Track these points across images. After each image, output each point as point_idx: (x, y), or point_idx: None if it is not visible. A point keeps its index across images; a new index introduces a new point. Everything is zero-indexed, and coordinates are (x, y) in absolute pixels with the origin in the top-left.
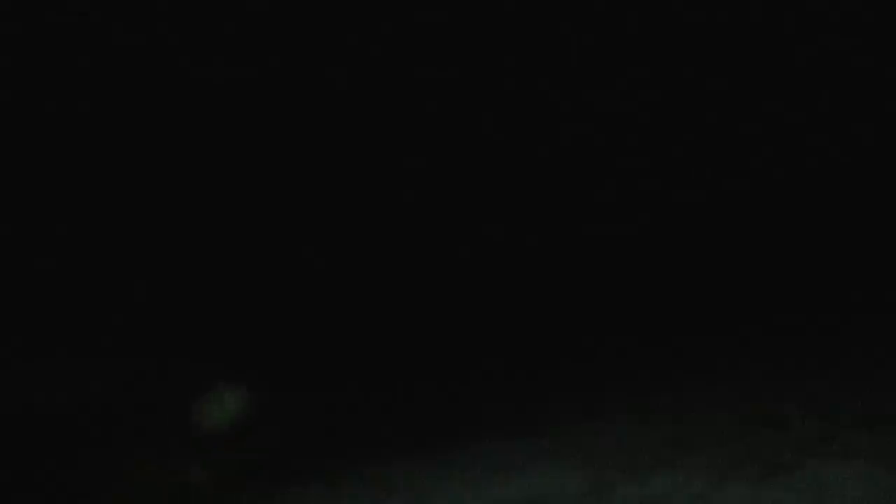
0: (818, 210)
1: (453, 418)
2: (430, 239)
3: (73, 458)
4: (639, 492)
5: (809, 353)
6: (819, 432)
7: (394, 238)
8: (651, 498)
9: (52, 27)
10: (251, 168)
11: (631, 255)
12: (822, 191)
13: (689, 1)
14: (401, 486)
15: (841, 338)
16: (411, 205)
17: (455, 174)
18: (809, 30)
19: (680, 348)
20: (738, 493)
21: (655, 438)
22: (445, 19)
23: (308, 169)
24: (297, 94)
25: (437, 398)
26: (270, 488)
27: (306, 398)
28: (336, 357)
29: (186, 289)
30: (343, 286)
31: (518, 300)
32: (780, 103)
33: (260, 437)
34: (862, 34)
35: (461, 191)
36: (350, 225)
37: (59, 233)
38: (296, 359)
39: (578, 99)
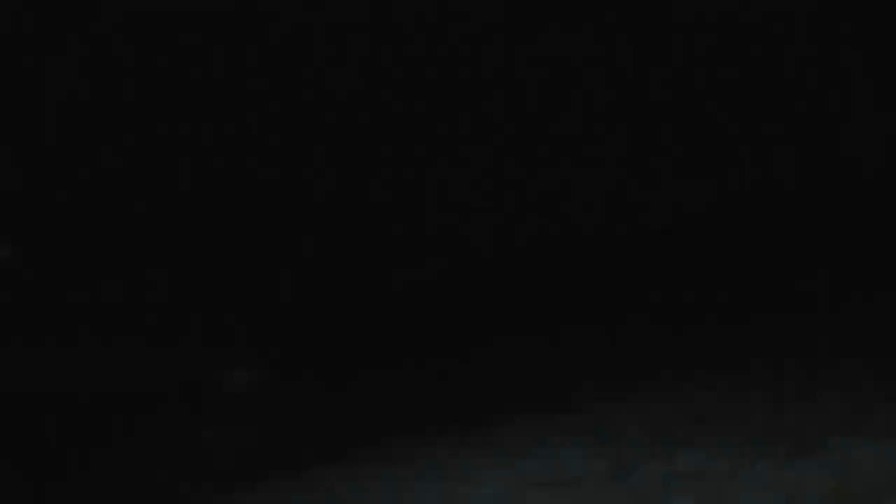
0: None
1: (475, 396)
2: (447, 216)
3: (103, 441)
4: (663, 470)
5: (839, 332)
6: (847, 411)
7: (407, 217)
8: (676, 476)
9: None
10: (254, 154)
11: (657, 241)
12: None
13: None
14: (422, 465)
15: (869, 318)
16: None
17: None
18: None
19: (707, 331)
20: (765, 472)
21: (680, 417)
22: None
23: (307, 157)
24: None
25: (458, 376)
26: (294, 468)
27: (325, 378)
28: (353, 337)
29: (196, 277)
30: (356, 265)
31: (542, 279)
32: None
33: (281, 418)
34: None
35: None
36: (362, 202)
37: (65, 221)
38: (312, 339)
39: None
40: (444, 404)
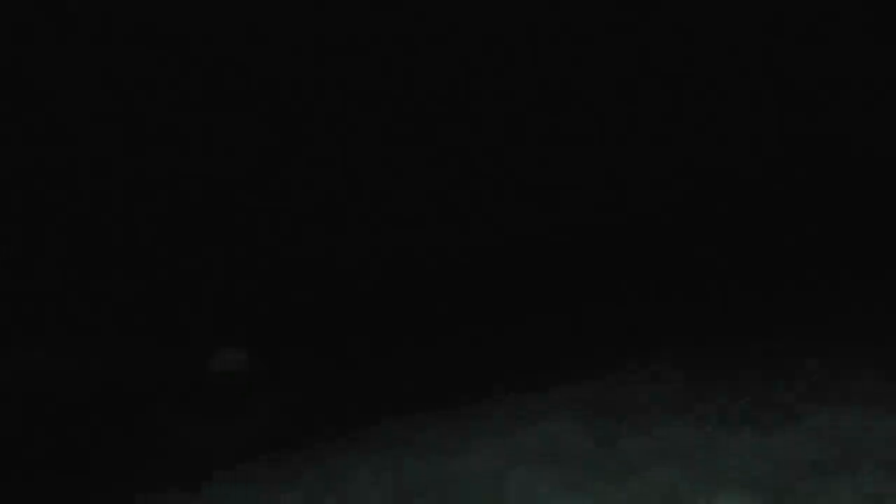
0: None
1: (467, 375)
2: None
3: (108, 424)
4: (650, 442)
5: (829, 310)
6: (833, 382)
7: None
8: (662, 447)
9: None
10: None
11: (649, 225)
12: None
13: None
14: (419, 441)
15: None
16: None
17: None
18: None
19: (703, 306)
20: (750, 441)
21: (663, 391)
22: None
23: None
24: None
25: (449, 356)
26: (299, 444)
27: (323, 359)
28: (351, 319)
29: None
30: (359, 249)
31: (532, 262)
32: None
33: (283, 396)
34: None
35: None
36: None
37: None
38: (313, 321)
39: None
40: (438, 383)
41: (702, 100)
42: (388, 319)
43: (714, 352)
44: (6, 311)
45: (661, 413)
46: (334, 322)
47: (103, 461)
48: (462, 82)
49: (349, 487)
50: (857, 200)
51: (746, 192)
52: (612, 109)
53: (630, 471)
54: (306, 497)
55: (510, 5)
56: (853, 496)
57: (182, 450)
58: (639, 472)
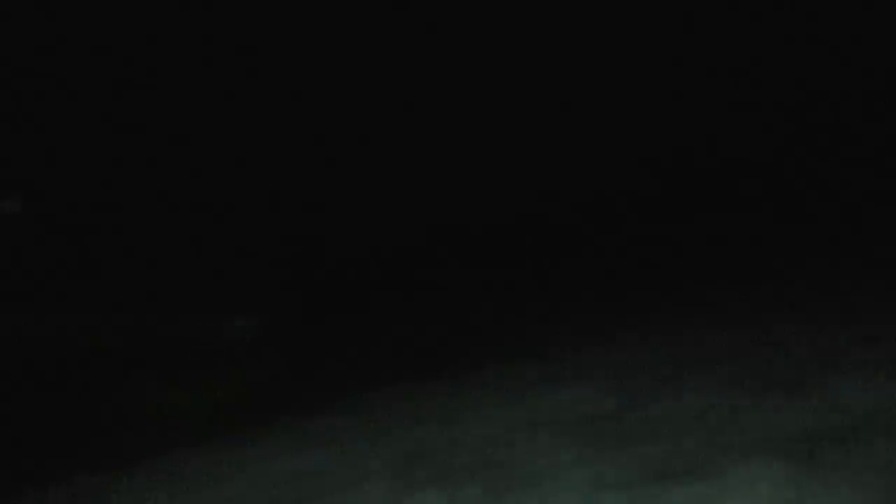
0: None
1: (480, 342)
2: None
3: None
4: (668, 409)
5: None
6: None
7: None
8: (681, 414)
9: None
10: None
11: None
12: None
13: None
14: (429, 410)
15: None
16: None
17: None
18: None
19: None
20: (770, 409)
21: (682, 359)
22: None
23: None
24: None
25: (462, 324)
26: (293, 415)
27: (320, 330)
28: (355, 288)
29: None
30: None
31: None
32: None
33: (283, 364)
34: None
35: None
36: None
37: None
38: (315, 290)
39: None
40: (451, 350)
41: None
42: (394, 286)
43: (718, 319)
44: None
45: (685, 379)
46: (337, 291)
47: (91, 426)
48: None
49: (353, 453)
50: None
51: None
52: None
53: (653, 437)
54: (312, 463)
55: None
56: (878, 464)
57: (178, 414)
58: (662, 438)
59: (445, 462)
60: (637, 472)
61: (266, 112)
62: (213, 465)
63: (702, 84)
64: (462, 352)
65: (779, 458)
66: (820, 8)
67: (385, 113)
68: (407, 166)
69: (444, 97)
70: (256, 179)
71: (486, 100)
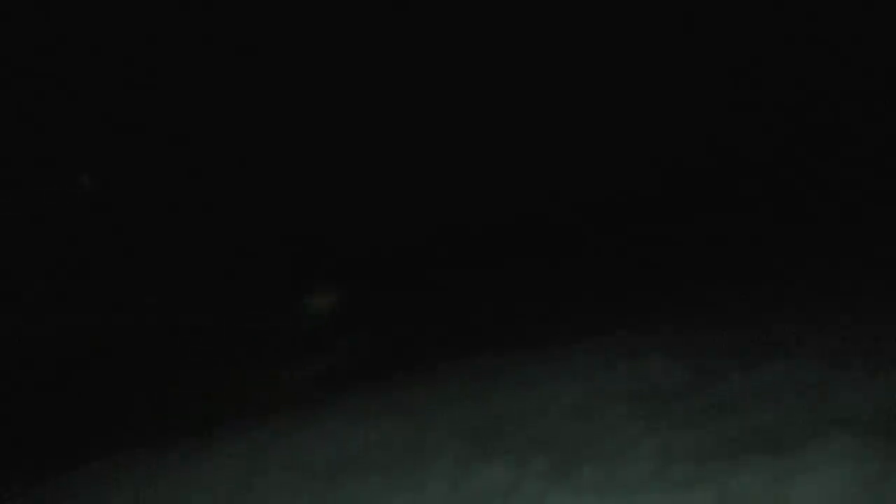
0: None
1: (555, 313)
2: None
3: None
4: (745, 381)
5: None
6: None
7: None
8: (758, 387)
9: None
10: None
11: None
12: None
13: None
14: (506, 379)
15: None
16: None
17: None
18: None
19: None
20: (854, 382)
21: (754, 335)
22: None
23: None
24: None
25: (535, 301)
26: (376, 380)
27: (405, 299)
28: (435, 260)
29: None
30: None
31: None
32: None
33: (364, 336)
34: None
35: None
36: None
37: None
38: (394, 262)
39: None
40: (525, 326)
41: None
42: (474, 257)
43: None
44: None
45: (762, 353)
46: (416, 263)
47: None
48: None
49: (437, 421)
50: None
51: None
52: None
53: (731, 411)
54: (398, 428)
55: None
56: None
57: (253, 386)
58: (739, 411)
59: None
60: None
61: (280, 113)
62: (283, 435)
63: (702, 84)
64: (551, 321)
65: (866, 432)
66: (820, 8)
67: (387, 114)
68: (409, 167)
69: (445, 98)
70: (254, 181)
71: (487, 100)
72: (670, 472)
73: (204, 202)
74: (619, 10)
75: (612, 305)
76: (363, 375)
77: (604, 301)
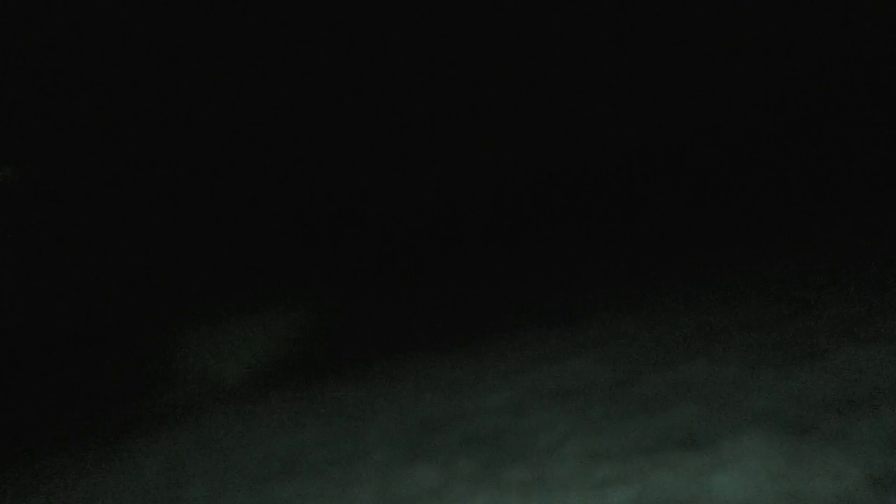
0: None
1: (486, 313)
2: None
3: None
4: (669, 378)
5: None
6: (851, 317)
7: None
8: (681, 384)
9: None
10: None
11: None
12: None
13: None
14: (437, 377)
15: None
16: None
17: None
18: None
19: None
20: (769, 379)
21: (682, 328)
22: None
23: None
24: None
25: (465, 298)
26: (306, 382)
27: (342, 296)
28: (373, 260)
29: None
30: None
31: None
32: None
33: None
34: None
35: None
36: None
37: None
38: (332, 261)
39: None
40: (454, 325)
41: None
42: (409, 259)
43: (719, 289)
44: None
45: (682, 352)
46: (355, 261)
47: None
48: None
49: (367, 422)
50: None
51: None
52: None
53: (653, 408)
54: (327, 430)
55: None
56: (875, 434)
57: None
58: (661, 409)
59: (461, 430)
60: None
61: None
62: (206, 440)
63: (701, 83)
64: (481, 324)
65: (780, 428)
66: (820, 7)
67: (403, 102)
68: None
69: (453, 90)
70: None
71: (501, 86)
72: (594, 471)
73: (115, 204)
74: (618, 8)
75: (543, 304)
76: (292, 375)
77: (533, 300)
